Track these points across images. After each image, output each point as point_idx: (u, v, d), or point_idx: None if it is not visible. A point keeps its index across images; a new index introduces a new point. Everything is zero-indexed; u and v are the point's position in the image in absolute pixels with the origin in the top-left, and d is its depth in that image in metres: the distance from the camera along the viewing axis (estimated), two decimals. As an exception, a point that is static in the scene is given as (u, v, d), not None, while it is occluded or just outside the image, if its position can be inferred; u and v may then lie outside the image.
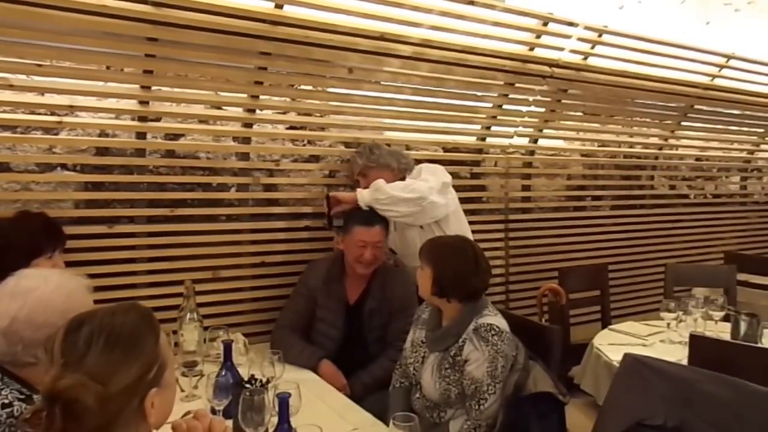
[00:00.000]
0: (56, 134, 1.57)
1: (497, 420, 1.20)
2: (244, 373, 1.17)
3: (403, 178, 1.76)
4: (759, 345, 1.49)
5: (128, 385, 0.63)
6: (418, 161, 2.19)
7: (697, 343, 1.36)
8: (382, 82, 1.95)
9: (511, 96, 2.24)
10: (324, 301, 1.63)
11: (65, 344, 0.63)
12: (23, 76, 1.46)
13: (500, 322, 1.25)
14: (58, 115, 1.54)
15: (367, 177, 1.78)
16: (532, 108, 2.33)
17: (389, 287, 1.61)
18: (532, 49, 2.11)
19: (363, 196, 1.64)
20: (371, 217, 1.62)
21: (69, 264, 1.42)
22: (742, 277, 2.43)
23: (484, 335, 1.20)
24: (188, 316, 1.40)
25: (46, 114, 1.53)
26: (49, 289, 0.89)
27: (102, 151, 1.63)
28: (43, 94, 1.52)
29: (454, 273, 1.25)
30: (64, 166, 1.61)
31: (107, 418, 0.61)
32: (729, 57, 2.58)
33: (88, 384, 0.60)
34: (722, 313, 1.76)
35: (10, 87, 1.43)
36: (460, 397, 1.23)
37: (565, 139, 2.64)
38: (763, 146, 3.35)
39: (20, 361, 0.86)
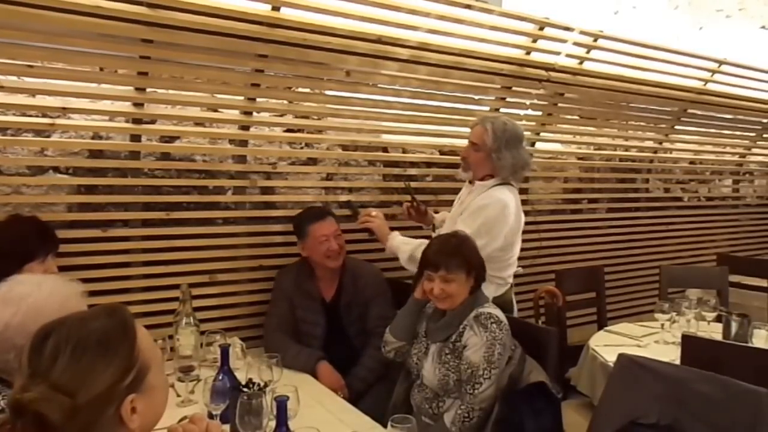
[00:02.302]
0: (48, 136, 1.55)
1: (493, 409, 1.21)
2: (241, 377, 1.16)
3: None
4: (749, 345, 1.51)
5: (99, 394, 0.60)
6: (414, 164, 2.21)
7: (689, 343, 1.38)
8: (379, 85, 1.95)
9: (508, 99, 2.25)
10: (300, 301, 1.66)
11: (32, 355, 0.61)
12: (14, 78, 1.44)
13: (500, 313, 1.29)
14: (51, 117, 1.51)
15: (476, 153, 1.56)
16: (529, 111, 2.34)
17: (360, 279, 1.65)
18: (528, 53, 2.12)
19: (392, 244, 1.59)
20: (320, 211, 1.69)
21: (62, 268, 1.40)
22: (734, 278, 2.46)
23: (484, 322, 1.24)
24: (184, 320, 1.39)
25: (37, 116, 1.51)
26: (42, 296, 0.87)
27: (95, 154, 1.61)
28: (34, 96, 1.50)
29: (480, 261, 1.32)
30: (56, 169, 1.58)
31: (78, 429, 0.59)
32: (721, 62, 2.62)
33: (53, 397, 0.57)
34: (714, 314, 1.78)
35: (1, 88, 1.41)
36: (458, 384, 1.25)
37: (561, 142, 2.66)
38: (754, 150, 3.39)
39: (12, 368, 0.84)
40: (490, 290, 1.51)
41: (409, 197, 1.79)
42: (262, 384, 1.13)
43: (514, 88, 2.20)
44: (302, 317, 1.64)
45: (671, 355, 1.53)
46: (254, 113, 1.81)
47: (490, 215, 1.49)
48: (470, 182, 1.68)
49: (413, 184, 1.98)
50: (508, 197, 1.56)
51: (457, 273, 1.27)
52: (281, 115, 1.89)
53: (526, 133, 2.42)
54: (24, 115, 1.50)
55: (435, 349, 1.30)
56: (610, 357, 1.50)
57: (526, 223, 2.49)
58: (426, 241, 1.53)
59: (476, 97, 2.18)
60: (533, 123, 2.41)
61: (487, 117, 1.65)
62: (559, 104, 2.41)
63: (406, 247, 1.57)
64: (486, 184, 1.60)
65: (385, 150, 2.14)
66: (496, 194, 1.55)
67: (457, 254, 1.28)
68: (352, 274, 1.66)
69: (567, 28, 2.10)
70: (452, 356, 1.26)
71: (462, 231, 1.38)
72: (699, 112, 2.86)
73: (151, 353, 0.68)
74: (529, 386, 1.24)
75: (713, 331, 1.72)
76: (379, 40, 1.77)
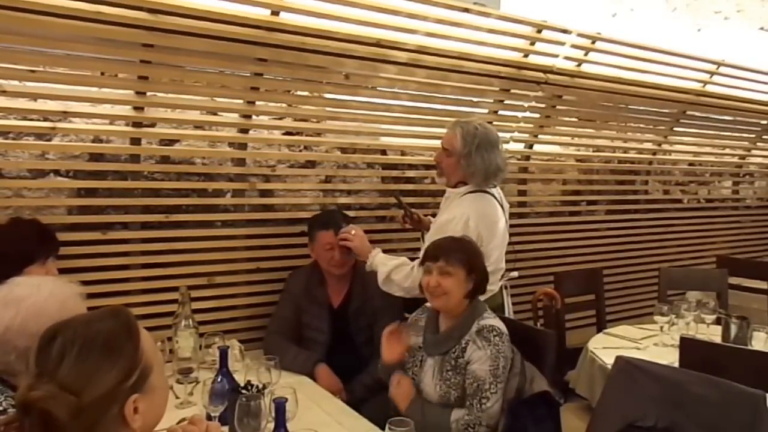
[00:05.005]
0: (49, 140, 1.56)
1: (498, 424, 1.20)
2: (240, 379, 1.17)
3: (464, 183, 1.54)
4: (748, 347, 1.51)
5: (104, 394, 0.61)
6: (412, 166, 2.22)
7: (687, 345, 1.38)
8: (378, 88, 1.96)
9: (506, 102, 2.26)
10: (307, 306, 1.65)
11: (39, 355, 0.62)
12: (16, 82, 1.45)
13: (501, 324, 1.26)
14: (52, 121, 1.53)
15: (448, 158, 1.54)
16: (528, 114, 2.35)
17: (370, 286, 1.62)
18: (526, 56, 2.13)
19: (372, 262, 1.53)
20: (332, 219, 1.65)
21: (62, 271, 1.41)
22: (734, 280, 2.46)
23: (487, 336, 1.21)
24: (183, 322, 1.40)
25: (39, 120, 1.52)
26: (42, 297, 0.89)
27: (96, 157, 1.62)
28: (36, 100, 1.51)
29: (483, 268, 1.28)
30: (57, 173, 1.60)
31: (83, 427, 0.60)
32: (719, 64, 2.63)
33: (60, 395, 0.59)
34: (714, 317, 1.78)
35: (3, 93, 1.42)
36: (459, 400, 1.23)
37: (560, 144, 2.67)
38: (754, 151, 3.39)
39: (14, 369, 0.85)
40: None
41: (402, 209, 1.78)
42: (260, 386, 1.13)
43: (512, 91, 2.21)
44: (308, 322, 1.64)
45: (670, 357, 1.52)
46: (253, 116, 1.82)
47: (455, 231, 1.42)
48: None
49: (406, 188, 1.98)
50: (472, 208, 1.47)
51: (457, 267, 1.23)
52: (280, 118, 1.90)
53: (524, 135, 2.45)
54: (25, 118, 1.51)
55: (434, 364, 1.25)
56: (609, 359, 1.49)
57: (525, 225, 2.52)
58: (406, 260, 1.52)
59: (475, 100, 2.19)
60: (531, 125, 2.42)
61: (459, 121, 1.58)
62: (558, 106, 2.42)
63: (384, 268, 1.50)
64: (458, 191, 1.55)
65: (383, 152, 2.15)
66: (461, 207, 1.49)
67: (460, 250, 1.26)
68: (362, 280, 1.64)
69: (565, 31, 2.11)
70: (454, 372, 1.23)
71: (467, 236, 1.36)
72: (698, 114, 2.86)
73: (154, 354, 0.69)
74: (533, 395, 1.22)
75: (712, 334, 1.72)
76: (378, 44, 1.78)
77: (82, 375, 0.61)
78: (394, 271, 1.49)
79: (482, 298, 1.49)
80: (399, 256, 1.59)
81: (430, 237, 1.49)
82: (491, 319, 1.26)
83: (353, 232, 1.57)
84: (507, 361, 1.22)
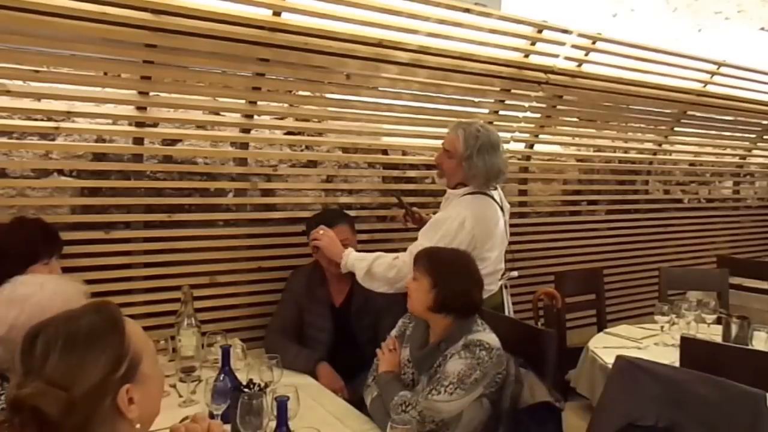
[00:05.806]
0: (53, 140, 1.57)
1: (498, 428, 1.19)
2: (242, 377, 1.18)
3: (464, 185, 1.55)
4: (749, 347, 1.52)
5: (93, 386, 0.61)
6: (413, 166, 2.22)
7: (688, 345, 1.38)
8: (379, 88, 1.96)
9: (507, 102, 2.27)
10: (309, 305, 1.65)
11: (24, 355, 0.62)
12: (20, 82, 1.46)
13: (491, 338, 1.22)
14: (55, 121, 1.53)
15: (449, 159, 1.54)
16: (528, 114, 2.35)
17: None
18: (527, 56, 2.14)
19: (347, 261, 1.50)
20: (332, 218, 1.64)
21: (65, 270, 1.41)
22: (734, 280, 2.46)
23: (472, 349, 1.18)
24: (186, 321, 1.40)
25: (42, 120, 1.53)
26: (46, 296, 0.89)
27: (99, 157, 1.63)
28: (39, 100, 1.52)
29: (458, 287, 1.22)
30: (60, 172, 1.61)
31: (77, 421, 0.60)
32: (720, 64, 2.63)
33: (49, 391, 0.59)
34: (714, 316, 1.78)
35: (7, 93, 1.43)
36: (455, 416, 1.21)
37: (560, 144, 2.67)
38: (755, 151, 3.40)
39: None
40: None
41: (403, 208, 1.79)
42: (262, 384, 1.14)
43: (513, 91, 2.22)
44: (310, 321, 1.65)
45: (671, 357, 1.52)
46: (255, 116, 1.83)
47: (450, 229, 1.41)
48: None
49: (407, 188, 1.99)
50: (470, 210, 1.46)
51: (422, 275, 1.22)
52: (282, 118, 1.91)
53: (524, 135, 2.45)
54: (29, 118, 1.52)
55: (427, 382, 1.21)
56: (610, 359, 1.49)
57: (525, 225, 2.53)
58: (382, 254, 1.49)
59: (476, 100, 2.19)
60: (532, 125, 2.42)
61: (461, 123, 1.58)
62: (558, 106, 2.43)
63: (362, 263, 1.48)
64: (457, 192, 1.55)
65: (384, 152, 2.16)
66: (458, 207, 1.48)
67: (428, 259, 1.24)
68: None
69: (565, 31, 2.12)
70: None
71: (463, 253, 1.32)
72: (699, 114, 2.87)
73: (143, 343, 0.69)
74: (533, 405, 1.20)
75: (713, 334, 1.72)
76: (380, 44, 1.79)
77: (68, 369, 0.61)
78: (375, 263, 1.46)
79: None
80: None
81: (423, 233, 1.48)
82: (481, 334, 1.21)
83: (321, 231, 1.56)
84: (484, 377, 1.17)
